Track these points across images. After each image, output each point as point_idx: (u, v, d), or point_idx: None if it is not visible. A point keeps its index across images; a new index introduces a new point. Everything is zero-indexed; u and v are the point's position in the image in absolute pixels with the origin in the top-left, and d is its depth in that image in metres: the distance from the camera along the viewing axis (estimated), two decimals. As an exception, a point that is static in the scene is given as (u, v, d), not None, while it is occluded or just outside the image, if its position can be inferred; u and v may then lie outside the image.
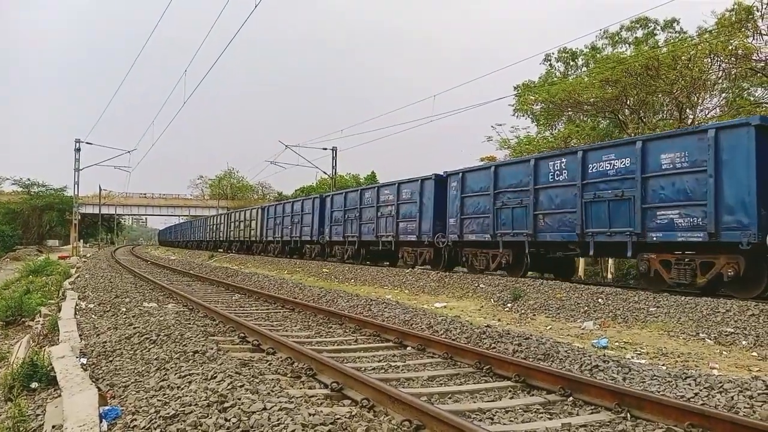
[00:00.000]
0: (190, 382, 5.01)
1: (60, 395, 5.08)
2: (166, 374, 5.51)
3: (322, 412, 4.27)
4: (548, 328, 9.74)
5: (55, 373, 5.71)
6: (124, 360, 6.59)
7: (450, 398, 5.28)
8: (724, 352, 7.69)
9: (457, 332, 8.32)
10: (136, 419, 4.27)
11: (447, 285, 14.90)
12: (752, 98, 25.77)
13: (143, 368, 6.00)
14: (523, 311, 11.25)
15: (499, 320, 10.56)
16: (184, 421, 4.08)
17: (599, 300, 10.95)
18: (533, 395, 5.39)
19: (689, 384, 5.48)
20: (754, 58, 22.55)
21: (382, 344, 7.89)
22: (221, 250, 43.59)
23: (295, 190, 67.88)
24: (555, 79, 32.29)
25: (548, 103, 28.48)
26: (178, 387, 4.95)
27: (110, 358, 6.78)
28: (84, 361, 6.54)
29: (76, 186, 46.78)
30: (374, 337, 8.37)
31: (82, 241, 56.73)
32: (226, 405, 4.28)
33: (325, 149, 43.22)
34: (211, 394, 4.53)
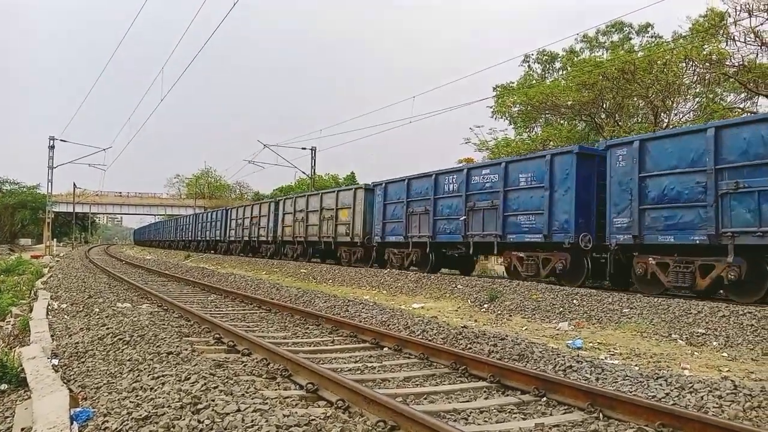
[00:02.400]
0: (163, 384, 4.96)
1: (30, 397, 4.99)
2: (139, 375, 5.45)
3: (296, 413, 4.25)
4: (524, 328, 9.81)
5: (25, 374, 5.61)
6: (97, 361, 6.50)
7: (425, 399, 5.29)
8: (695, 353, 7.82)
9: (433, 333, 8.34)
10: (107, 421, 4.22)
11: (425, 286, 14.94)
12: (724, 103, 26.26)
13: (116, 369, 5.92)
14: (499, 312, 11.32)
15: (475, 321, 10.61)
16: (156, 422, 4.03)
17: (574, 301, 11.07)
18: (508, 395, 5.43)
19: (661, 384, 5.57)
20: (727, 63, 22.99)
21: (359, 345, 7.88)
22: (192, 250, 44.07)
23: (274, 190, 67.55)
24: (533, 81, 32.59)
25: (526, 105, 28.74)
26: (151, 388, 4.89)
27: (82, 359, 6.69)
28: (55, 362, 6.44)
29: (49, 184, 46.13)
30: (351, 337, 8.36)
31: (55, 240, 55.82)
32: (199, 406, 4.24)
33: (304, 149, 43.15)
34: (185, 395, 4.49)
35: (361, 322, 9.49)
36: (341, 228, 22.71)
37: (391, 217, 19.62)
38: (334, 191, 23.75)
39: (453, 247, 17.31)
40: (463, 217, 16.03)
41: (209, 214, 41.49)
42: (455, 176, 16.80)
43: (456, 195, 16.59)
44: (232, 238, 35.81)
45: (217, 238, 38.74)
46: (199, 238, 44.37)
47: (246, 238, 33.05)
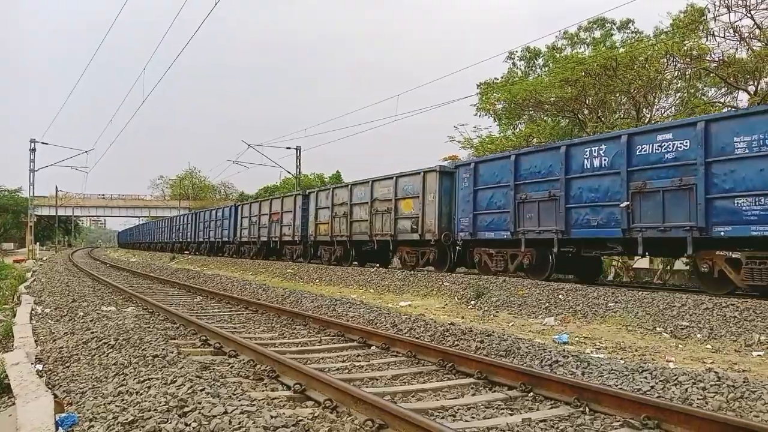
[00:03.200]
0: (149, 387, 4.93)
1: (14, 403, 4.93)
2: (124, 379, 5.41)
3: (284, 414, 4.24)
4: (510, 324, 9.86)
5: (9, 380, 5.54)
6: (82, 365, 6.44)
7: (413, 396, 5.30)
8: (679, 346, 7.90)
9: (421, 330, 8.36)
10: (93, 426, 4.18)
11: (412, 284, 14.96)
12: (705, 98, 26.53)
13: (101, 374, 5.87)
14: (486, 308, 11.37)
15: (462, 318, 10.64)
16: (142, 426, 4.00)
17: (560, 296, 11.14)
18: (495, 391, 5.45)
19: (646, 377, 5.62)
20: (707, 58, 23.21)
21: (347, 344, 7.88)
22: (192, 253, 43.81)
23: (258, 190, 67.25)
24: (517, 78, 32.72)
25: (510, 102, 28.83)
26: (137, 392, 4.86)
27: (67, 364, 6.62)
28: (39, 367, 6.36)
29: (31, 187, 45.75)
30: (338, 337, 8.35)
31: (38, 243, 55.23)
32: (186, 409, 4.22)
33: (289, 148, 42.99)
34: (171, 398, 4.46)
35: (348, 321, 9.49)
36: (403, 223, 18.25)
37: (487, 206, 15.26)
38: (391, 177, 19.16)
39: (599, 246, 13.06)
40: (625, 203, 11.68)
41: (213, 212, 38.09)
42: (604, 146, 12.46)
43: (607, 172, 12.23)
44: (245, 239, 31.49)
45: (225, 239, 34.82)
46: (201, 239, 40.44)
47: (264, 239, 28.66)
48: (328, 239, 22.51)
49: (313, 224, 23.37)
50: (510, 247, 14.65)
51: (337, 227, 21.86)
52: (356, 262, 21.65)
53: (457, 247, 16.64)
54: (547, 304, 10.81)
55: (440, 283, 14.24)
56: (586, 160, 12.67)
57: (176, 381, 5.01)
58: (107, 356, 6.66)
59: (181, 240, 45.14)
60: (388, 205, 18.97)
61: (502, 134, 32.46)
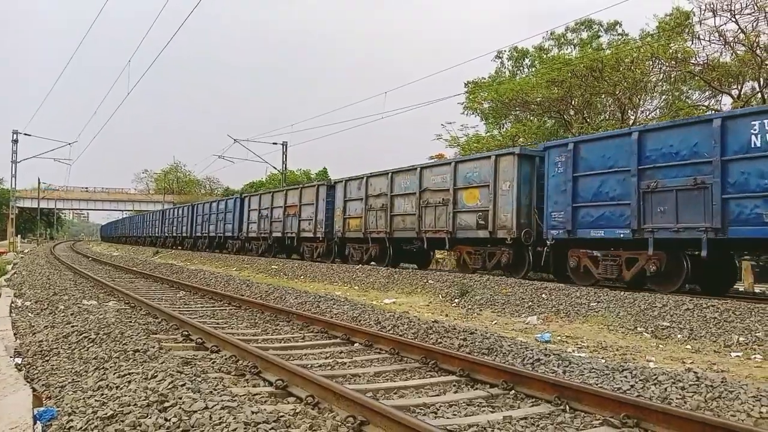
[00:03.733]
0: (129, 382, 4.89)
1: (-9, 397, 4.87)
2: (104, 374, 5.35)
3: (265, 410, 4.22)
4: (494, 323, 9.90)
5: (-14, 374, 5.47)
6: (62, 359, 6.37)
7: (395, 393, 5.31)
8: (660, 346, 7.98)
9: (404, 328, 8.37)
10: (72, 420, 4.13)
11: (396, 281, 14.97)
12: (690, 101, 26.81)
13: (81, 368, 5.81)
14: (470, 306, 11.41)
15: (446, 315, 10.67)
16: (122, 421, 3.97)
17: (543, 295, 11.20)
18: (477, 389, 5.48)
19: (626, 376, 5.67)
20: (692, 61, 23.46)
21: (330, 341, 7.87)
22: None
23: (244, 185, 66.97)
24: (504, 78, 32.85)
25: (496, 101, 28.95)
26: (117, 387, 4.81)
27: (47, 358, 6.54)
28: (19, 360, 6.29)
29: (13, 179, 45.20)
30: (322, 333, 8.34)
31: (19, 236, 54.57)
32: (166, 404, 4.19)
33: (275, 144, 42.82)
34: (151, 393, 4.43)
35: (332, 317, 9.47)
36: (465, 218, 15.52)
37: (594, 197, 12.27)
38: (449, 163, 16.64)
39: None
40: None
41: (215, 204, 35.37)
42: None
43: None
44: (252, 234, 28.90)
45: (228, 233, 32.05)
46: (198, 234, 37.63)
47: (278, 234, 26.03)
48: (360, 236, 19.86)
49: (341, 219, 20.98)
50: (629, 249, 11.93)
51: (372, 222, 19.18)
52: (391, 264, 18.86)
53: (546, 249, 13.57)
54: (531, 303, 10.87)
55: (425, 280, 14.26)
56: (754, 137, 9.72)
57: (157, 376, 4.97)
58: (87, 350, 6.59)
59: (175, 234, 42.69)
60: (444, 196, 16.09)
61: (488, 133, 32.61)
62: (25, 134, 44.35)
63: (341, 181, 21.27)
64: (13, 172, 44.65)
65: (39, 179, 68.02)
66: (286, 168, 44.62)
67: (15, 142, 43.92)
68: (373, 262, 19.12)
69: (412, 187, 17.38)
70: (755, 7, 20.91)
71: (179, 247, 40.60)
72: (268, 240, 26.87)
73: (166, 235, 45.19)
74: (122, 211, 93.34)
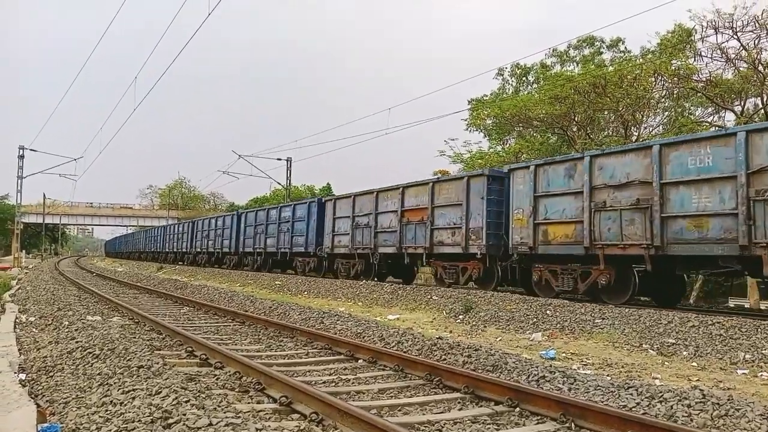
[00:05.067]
0: (133, 398, 4.88)
1: (-5, 413, 4.87)
2: (108, 390, 5.35)
3: (269, 426, 4.22)
4: (498, 339, 9.87)
5: (-10, 389, 5.47)
6: (66, 375, 6.36)
7: (400, 410, 5.29)
8: (665, 363, 7.94)
9: (408, 344, 8.35)
10: (75, 437, 4.14)
11: (400, 297, 14.95)
12: (693, 117, 26.86)
13: (85, 384, 5.81)
14: (474, 323, 11.37)
15: (450, 332, 10.64)
16: (126, 438, 3.97)
17: (547, 312, 11.17)
18: (481, 406, 5.45)
19: (631, 394, 5.64)
20: (694, 78, 23.54)
21: (334, 357, 7.85)
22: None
23: (248, 201, 67.10)
24: (507, 94, 33.00)
25: (500, 118, 29.04)
26: (121, 403, 4.81)
27: (51, 374, 6.55)
28: (23, 376, 6.29)
29: (18, 194, 45.31)
30: (326, 350, 8.32)
31: (24, 251, 54.69)
32: (170, 421, 4.18)
33: (280, 159, 42.98)
34: (155, 410, 4.43)
35: (336, 334, 9.45)
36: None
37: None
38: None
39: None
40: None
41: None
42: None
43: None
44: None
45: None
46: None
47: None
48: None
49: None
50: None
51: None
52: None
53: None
54: (535, 320, 10.83)
55: (429, 296, 14.24)
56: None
57: (161, 392, 4.97)
58: (92, 366, 6.60)
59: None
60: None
61: (492, 149, 32.68)
62: (31, 150, 44.66)
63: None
64: (19, 188, 44.84)
65: (44, 194, 68.41)
66: (290, 183, 44.73)
67: (21, 157, 44.17)
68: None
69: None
70: (756, 24, 21.02)
71: (182, 263, 40.82)
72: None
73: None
74: (127, 226, 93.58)
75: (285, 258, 25.67)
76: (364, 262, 19.87)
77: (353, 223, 20.30)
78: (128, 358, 6.77)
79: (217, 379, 6.19)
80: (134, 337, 8.53)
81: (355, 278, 19.68)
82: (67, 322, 10.62)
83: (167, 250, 45.86)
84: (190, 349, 7.75)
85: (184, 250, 40.78)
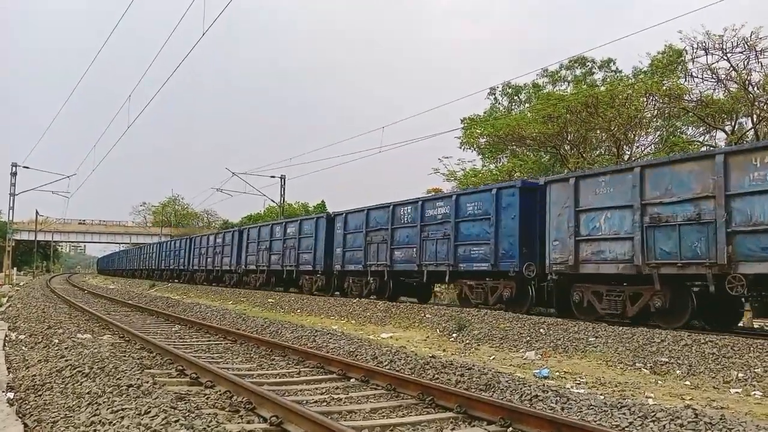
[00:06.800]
0: (122, 418, 4.83)
1: (-19, 433, 4.81)
2: (97, 409, 5.29)
3: (260, 446, 4.17)
4: (491, 358, 9.83)
5: (-23, 409, 5.40)
6: (54, 394, 6.29)
7: (391, 430, 5.24)
8: (659, 382, 7.92)
9: (401, 363, 8.30)
10: (62, 457, 4.08)
11: (393, 315, 14.89)
12: (684, 136, 27.10)
13: (74, 403, 5.74)
14: (467, 341, 11.33)
15: (443, 350, 10.59)
16: (114, 458, 3.92)
17: (541, 330, 11.14)
18: (474, 426, 5.41)
19: (624, 413, 5.61)
20: (685, 98, 23.79)
21: (326, 376, 7.79)
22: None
23: (242, 218, 67.00)
24: (499, 113, 33.23)
25: (493, 136, 29.20)
26: (109, 422, 4.76)
27: (39, 393, 6.46)
28: (11, 395, 6.22)
29: (10, 211, 45.10)
30: (318, 368, 8.26)
31: (15, 269, 54.28)
32: (159, 441, 4.14)
33: (273, 177, 43.01)
34: (145, 429, 4.38)
35: (328, 352, 9.39)
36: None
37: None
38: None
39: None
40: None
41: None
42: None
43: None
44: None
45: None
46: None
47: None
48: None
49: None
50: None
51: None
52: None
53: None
54: (529, 338, 10.80)
55: (422, 314, 14.19)
56: None
57: (150, 411, 4.92)
58: (81, 385, 6.52)
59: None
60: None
61: (485, 168, 32.82)
62: (24, 167, 44.50)
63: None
64: (11, 205, 44.67)
65: (36, 211, 68.06)
66: (284, 201, 44.74)
67: (13, 174, 44.03)
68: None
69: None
70: (746, 45, 21.32)
71: (176, 280, 40.24)
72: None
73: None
74: (119, 243, 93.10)
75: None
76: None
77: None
78: (118, 376, 6.70)
79: (207, 399, 6.13)
80: (124, 356, 8.45)
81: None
82: (57, 340, 10.52)
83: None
84: (181, 367, 7.68)
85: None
